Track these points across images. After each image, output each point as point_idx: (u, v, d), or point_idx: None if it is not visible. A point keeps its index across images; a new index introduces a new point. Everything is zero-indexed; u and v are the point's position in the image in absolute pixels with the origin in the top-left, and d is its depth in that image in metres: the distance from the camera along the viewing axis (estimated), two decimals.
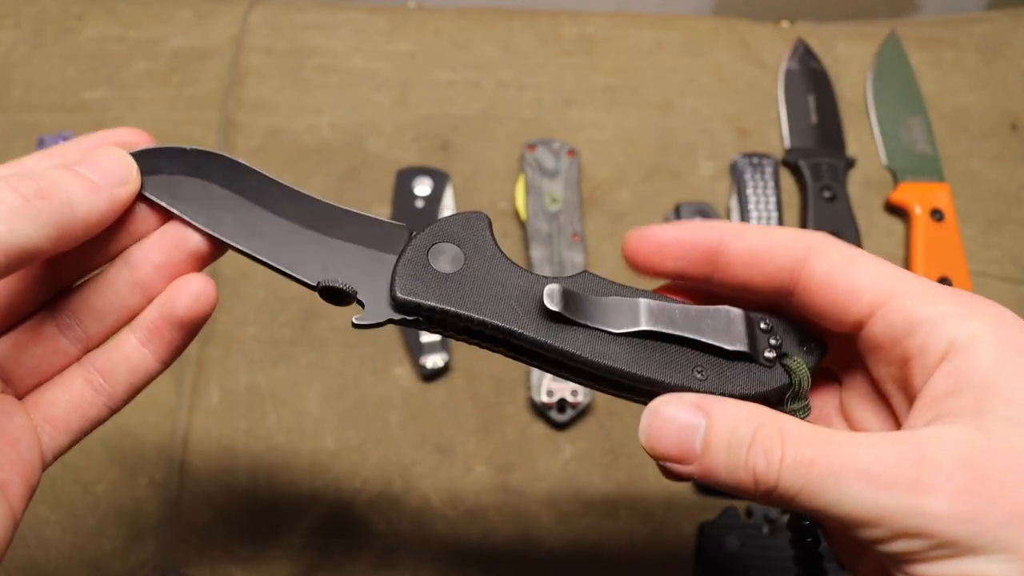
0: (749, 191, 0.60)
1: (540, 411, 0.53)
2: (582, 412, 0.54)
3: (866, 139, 0.64)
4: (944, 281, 0.57)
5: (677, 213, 0.59)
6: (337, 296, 0.30)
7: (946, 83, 0.67)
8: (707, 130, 0.65)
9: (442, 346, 0.54)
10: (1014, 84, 0.67)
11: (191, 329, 0.32)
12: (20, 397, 0.31)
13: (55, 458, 0.31)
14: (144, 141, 0.31)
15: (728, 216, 0.61)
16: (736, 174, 0.61)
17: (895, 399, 0.29)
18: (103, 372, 0.31)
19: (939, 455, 0.24)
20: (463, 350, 0.55)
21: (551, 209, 0.59)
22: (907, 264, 0.59)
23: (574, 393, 0.52)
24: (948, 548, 0.23)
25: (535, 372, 0.53)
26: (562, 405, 0.53)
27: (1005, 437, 0.24)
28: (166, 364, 0.33)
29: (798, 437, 0.26)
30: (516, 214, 0.60)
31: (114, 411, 0.32)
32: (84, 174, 0.28)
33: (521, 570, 0.50)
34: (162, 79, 0.65)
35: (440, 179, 0.60)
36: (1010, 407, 0.24)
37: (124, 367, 0.32)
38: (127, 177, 0.29)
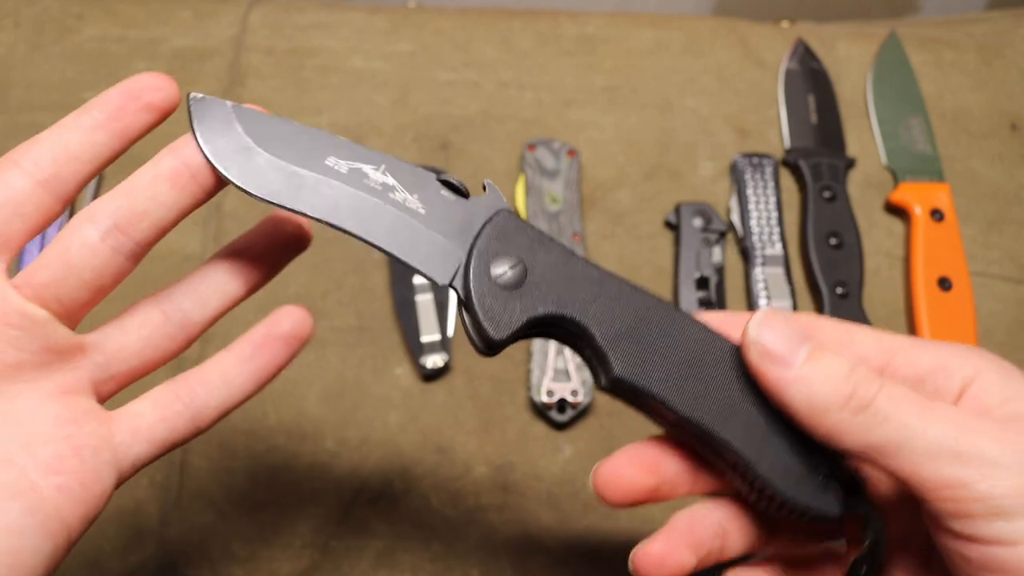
0: (749, 191, 0.60)
1: (540, 411, 0.53)
2: (582, 412, 0.54)
3: (866, 139, 0.64)
4: (944, 281, 0.57)
5: (677, 213, 0.59)
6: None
7: (946, 83, 0.67)
8: (707, 130, 0.65)
9: (442, 346, 0.54)
10: (1014, 84, 0.67)
11: (294, 348, 0.34)
12: (105, 398, 0.32)
13: (135, 469, 0.32)
14: (166, 84, 0.32)
15: (728, 216, 0.61)
16: (736, 174, 0.61)
17: None
18: (196, 386, 0.32)
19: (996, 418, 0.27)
20: (463, 350, 0.55)
21: (551, 209, 0.59)
22: (907, 264, 0.59)
23: (574, 393, 0.52)
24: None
25: (535, 372, 0.53)
26: (562, 405, 0.53)
27: None
28: (260, 386, 0.34)
29: (889, 381, 0.27)
30: (516, 214, 0.60)
31: (199, 431, 0.33)
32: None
33: (521, 570, 0.50)
34: None
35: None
36: None
37: (219, 383, 0.33)
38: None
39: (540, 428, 0.54)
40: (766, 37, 0.69)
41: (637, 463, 0.31)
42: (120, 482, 0.31)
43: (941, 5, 0.83)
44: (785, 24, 0.71)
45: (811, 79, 0.66)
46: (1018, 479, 0.25)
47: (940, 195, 0.61)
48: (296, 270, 0.58)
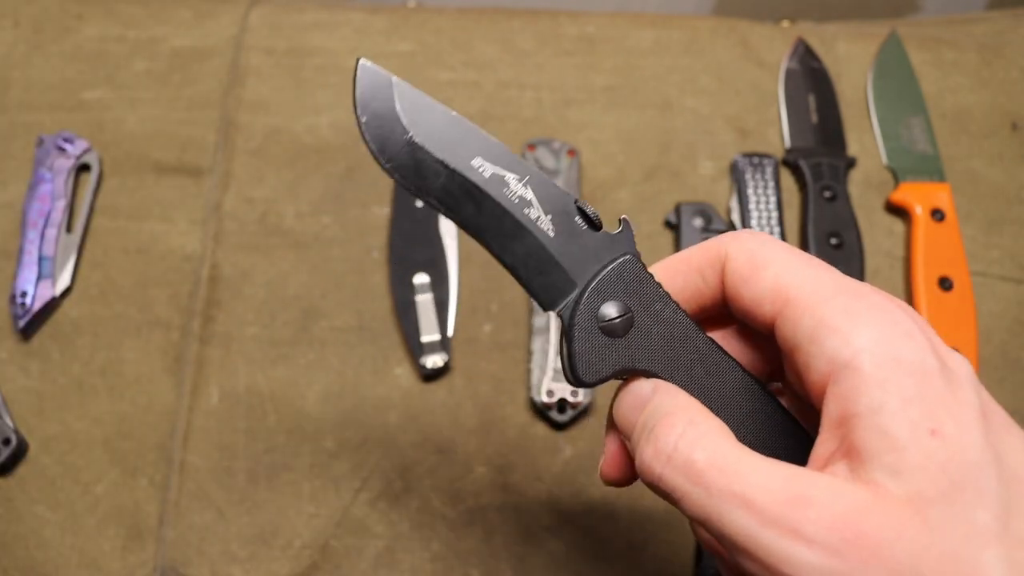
0: (749, 191, 0.60)
1: (540, 411, 0.53)
2: (582, 412, 0.53)
3: (867, 139, 0.64)
4: (945, 281, 0.57)
5: (677, 213, 0.59)
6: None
7: (947, 83, 0.67)
8: (707, 130, 0.65)
9: (442, 346, 0.54)
10: (1015, 84, 0.67)
11: None
12: None
13: None
14: None
15: (728, 215, 0.61)
16: (736, 174, 0.61)
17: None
18: None
19: (822, 504, 0.23)
20: (463, 350, 0.55)
21: None
22: (908, 264, 0.59)
23: (574, 393, 0.52)
24: None
25: (535, 372, 0.53)
26: (562, 405, 0.52)
27: (887, 491, 0.23)
28: None
29: (698, 441, 0.26)
30: None
31: None
32: None
33: (521, 570, 0.50)
34: (162, 79, 0.65)
35: None
36: (893, 453, 0.23)
37: None
38: None
39: (540, 428, 0.54)
40: (766, 37, 0.69)
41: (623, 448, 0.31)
42: None
43: (941, 5, 0.83)
44: (785, 24, 0.71)
45: (811, 79, 0.66)
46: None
47: (941, 195, 0.61)
48: (296, 270, 0.58)
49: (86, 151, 0.60)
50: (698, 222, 0.59)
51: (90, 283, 0.57)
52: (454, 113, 0.30)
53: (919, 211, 0.60)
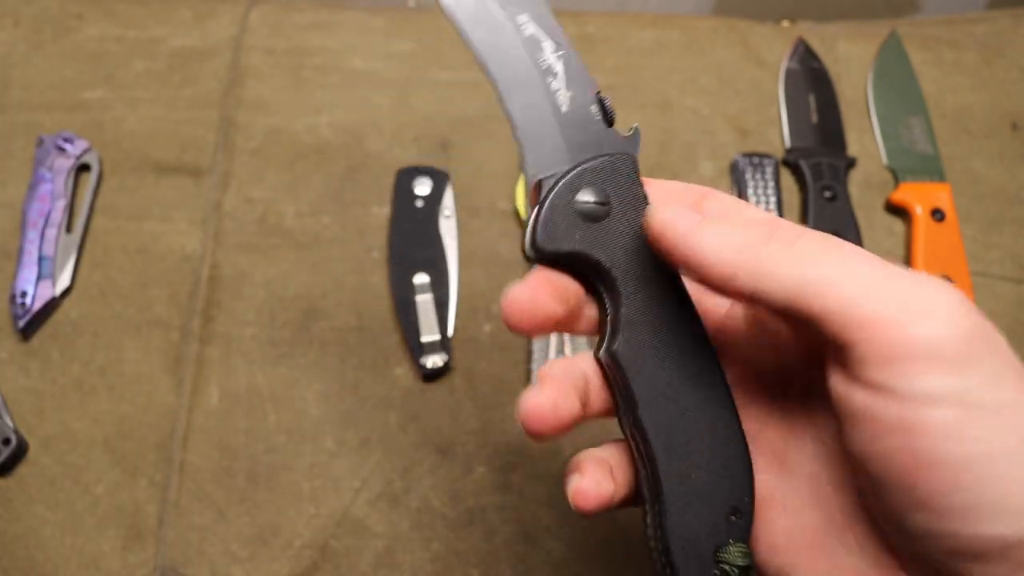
0: (750, 191, 0.60)
1: None
2: None
3: (867, 139, 0.64)
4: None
5: None
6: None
7: (947, 83, 0.67)
8: (707, 130, 0.65)
9: (442, 346, 0.54)
10: (1015, 84, 0.67)
11: None
12: None
13: None
14: None
15: None
16: (736, 174, 0.61)
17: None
18: None
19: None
20: (463, 350, 0.55)
21: None
22: (908, 264, 0.59)
23: None
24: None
25: (535, 372, 0.53)
26: None
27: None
28: None
29: (814, 232, 0.27)
30: (516, 214, 0.60)
31: None
32: None
33: (521, 570, 0.50)
34: (162, 79, 0.65)
35: (440, 179, 0.60)
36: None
37: None
38: None
39: None
40: (766, 36, 0.69)
41: (549, 289, 0.29)
42: None
43: (942, 5, 0.83)
44: (785, 23, 0.71)
45: (811, 79, 0.66)
46: (955, 329, 0.23)
47: (941, 195, 0.61)
48: (296, 270, 0.58)
49: (86, 151, 0.60)
50: None
51: (90, 283, 0.57)
52: None
53: (919, 211, 0.60)
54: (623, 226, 0.30)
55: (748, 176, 0.61)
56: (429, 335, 0.54)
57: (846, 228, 0.59)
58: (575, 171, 0.30)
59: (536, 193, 0.31)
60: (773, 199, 0.60)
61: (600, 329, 0.31)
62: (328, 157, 0.62)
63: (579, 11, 0.70)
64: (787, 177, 0.63)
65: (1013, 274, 0.60)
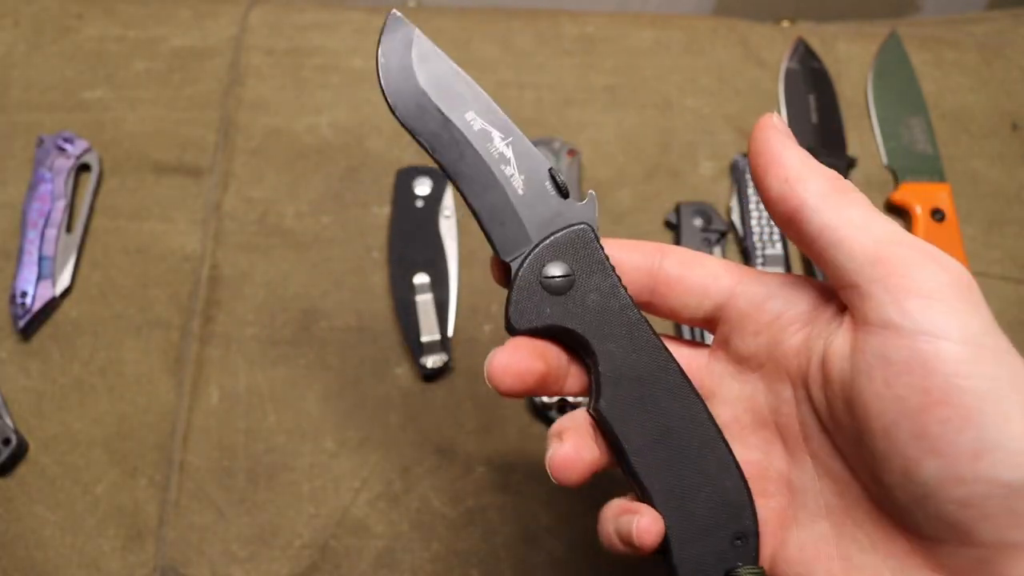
0: (750, 191, 0.60)
1: (540, 411, 0.53)
2: None
3: (867, 139, 0.64)
4: None
5: (677, 213, 0.59)
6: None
7: (947, 83, 0.67)
8: (707, 130, 0.65)
9: (442, 346, 0.54)
10: (1015, 84, 0.67)
11: None
12: None
13: None
14: None
15: (728, 215, 0.61)
16: (737, 174, 0.61)
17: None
18: None
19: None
20: (463, 350, 0.55)
21: None
22: None
23: (574, 395, 0.52)
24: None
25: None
26: (562, 405, 0.52)
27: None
28: None
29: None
30: None
31: None
32: None
33: (521, 570, 0.50)
34: (161, 79, 0.65)
35: (440, 179, 0.60)
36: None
37: None
38: None
39: (540, 428, 0.54)
40: (766, 37, 0.69)
41: (528, 350, 0.32)
42: None
43: (942, 5, 0.83)
44: (785, 24, 0.71)
45: (811, 79, 0.66)
46: (956, 278, 0.26)
47: (941, 195, 0.61)
48: (296, 270, 0.58)
49: (86, 151, 0.60)
50: (698, 222, 0.59)
51: (90, 283, 0.57)
52: (461, 71, 0.34)
53: (919, 211, 0.60)
54: (589, 292, 0.32)
55: (748, 176, 0.61)
56: (429, 335, 0.54)
57: None
58: (536, 250, 0.32)
59: (506, 275, 0.33)
60: None
61: (588, 386, 0.33)
62: (328, 157, 0.62)
63: (579, 11, 0.70)
64: None
65: (1013, 274, 0.60)
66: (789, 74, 0.66)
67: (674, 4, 0.81)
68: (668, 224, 0.60)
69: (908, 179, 0.62)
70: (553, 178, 0.33)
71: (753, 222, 0.59)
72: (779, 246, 0.58)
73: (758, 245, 0.58)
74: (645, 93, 0.66)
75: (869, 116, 0.65)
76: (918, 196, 0.60)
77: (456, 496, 0.51)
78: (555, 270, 0.32)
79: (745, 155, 0.62)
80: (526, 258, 0.32)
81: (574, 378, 0.33)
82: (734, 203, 0.61)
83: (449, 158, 0.33)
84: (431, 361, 0.54)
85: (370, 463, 0.52)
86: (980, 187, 0.63)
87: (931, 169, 0.62)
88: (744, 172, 0.61)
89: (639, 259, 0.33)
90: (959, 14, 0.76)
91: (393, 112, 0.33)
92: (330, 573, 0.50)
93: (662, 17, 0.71)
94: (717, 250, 0.58)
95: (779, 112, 0.65)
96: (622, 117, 0.65)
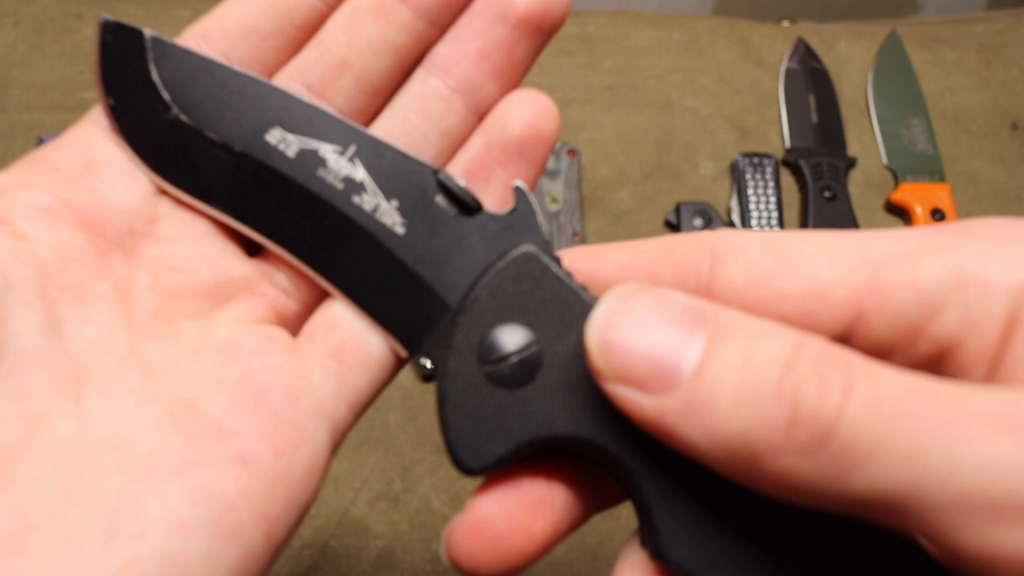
0: (750, 191, 0.60)
1: None
2: None
3: (867, 139, 0.64)
4: None
5: (677, 213, 0.59)
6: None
7: (947, 83, 0.67)
8: (707, 130, 0.65)
9: None
10: (1015, 84, 0.67)
11: (534, 162, 0.22)
12: (294, 324, 0.22)
13: (354, 416, 0.22)
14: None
15: (728, 216, 0.61)
16: (736, 174, 0.61)
17: None
18: None
19: None
20: None
21: (551, 209, 0.59)
22: None
23: None
24: None
25: None
26: None
27: None
28: None
29: (868, 368, 0.15)
30: None
31: None
32: None
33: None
34: None
35: None
36: None
37: None
38: None
39: None
40: (766, 36, 0.69)
41: (504, 509, 0.21)
42: (336, 443, 0.21)
43: (942, 5, 0.83)
44: (785, 23, 0.71)
45: (812, 78, 0.66)
46: None
47: (941, 195, 0.61)
48: None
49: None
50: (698, 222, 0.59)
51: None
52: (239, 69, 0.21)
53: (919, 211, 0.60)
54: (569, 359, 0.18)
55: (748, 176, 0.61)
56: None
57: (846, 228, 0.59)
58: (463, 318, 0.19)
59: (425, 379, 0.21)
60: (773, 199, 0.60)
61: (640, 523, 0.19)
62: None
63: (579, 11, 0.70)
64: (787, 177, 0.63)
65: None
66: (789, 74, 0.66)
67: (674, 4, 0.82)
68: (668, 224, 0.60)
69: (908, 179, 0.62)
70: (444, 186, 0.20)
71: (753, 222, 0.59)
72: None
73: None
74: (645, 93, 0.66)
75: (869, 116, 0.65)
76: (918, 196, 0.60)
77: (456, 496, 0.51)
78: (506, 342, 0.19)
79: (745, 155, 0.62)
80: (450, 339, 0.19)
81: (584, 502, 0.21)
82: (734, 203, 0.61)
83: (266, 217, 0.20)
84: (431, 361, 0.54)
85: (370, 463, 0.52)
86: (980, 187, 0.63)
87: (931, 169, 0.62)
88: (744, 172, 0.61)
89: (669, 272, 0.19)
90: (959, 14, 0.76)
91: (156, 176, 0.20)
92: (330, 573, 0.49)
93: (662, 17, 0.71)
94: None
95: (779, 112, 0.65)
96: (622, 117, 0.65)
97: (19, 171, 0.22)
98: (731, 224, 0.60)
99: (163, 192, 0.22)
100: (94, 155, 0.22)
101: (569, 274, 0.19)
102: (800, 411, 0.15)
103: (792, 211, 0.61)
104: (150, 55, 0.21)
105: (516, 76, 0.22)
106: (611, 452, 0.18)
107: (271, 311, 0.22)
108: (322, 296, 0.22)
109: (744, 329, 0.16)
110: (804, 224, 0.60)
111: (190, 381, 0.20)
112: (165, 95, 0.21)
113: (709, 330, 0.16)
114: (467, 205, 0.20)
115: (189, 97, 0.20)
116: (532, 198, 0.20)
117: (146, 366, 0.20)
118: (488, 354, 0.19)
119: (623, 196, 0.62)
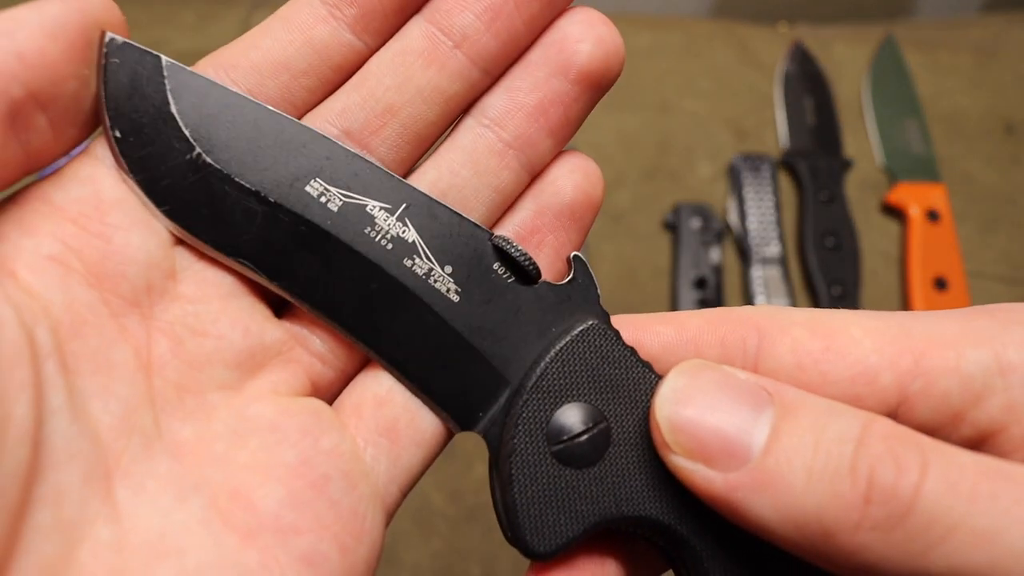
0: (747, 192, 0.61)
1: None
2: None
3: (863, 140, 0.65)
4: (940, 281, 0.57)
5: (676, 214, 0.60)
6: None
7: (942, 85, 0.67)
8: (705, 131, 0.65)
9: None
10: (1009, 86, 0.68)
11: (583, 228, 0.21)
12: (333, 398, 0.21)
13: (403, 498, 0.21)
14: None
15: (726, 216, 0.61)
16: (734, 175, 0.62)
17: None
18: None
19: None
20: None
21: None
22: (903, 264, 0.59)
23: None
24: None
25: None
26: None
27: None
28: None
29: (940, 447, 0.16)
30: None
31: None
32: None
33: (521, 569, 0.50)
34: None
35: None
36: None
37: None
38: None
39: None
40: (764, 39, 0.69)
41: None
42: (388, 521, 0.21)
43: (937, 8, 0.84)
44: (783, 26, 0.71)
45: (808, 81, 0.66)
46: None
47: (936, 196, 0.61)
48: None
49: None
50: (696, 223, 0.59)
51: None
52: (272, 109, 0.18)
53: (915, 212, 0.60)
54: (638, 437, 0.18)
55: (746, 177, 0.61)
56: None
57: (842, 229, 0.60)
58: (525, 398, 0.18)
59: (490, 456, 0.19)
60: (770, 200, 0.61)
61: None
62: None
63: None
64: (784, 178, 0.63)
65: (1008, 274, 0.60)
66: (786, 76, 0.67)
67: (673, 6, 0.82)
68: (667, 225, 0.61)
69: (904, 180, 0.62)
70: (501, 251, 0.19)
71: (751, 223, 0.60)
72: (776, 247, 0.59)
73: (756, 246, 0.59)
74: (643, 95, 0.67)
75: (865, 118, 0.66)
76: (914, 197, 0.61)
77: (456, 494, 0.52)
78: (575, 421, 0.18)
79: (743, 157, 0.62)
80: (513, 417, 0.19)
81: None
82: (732, 204, 0.61)
83: (303, 277, 0.18)
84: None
85: None
86: (975, 188, 0.63)
87: (926, 170, 0.63)
88: (741, 174, 0.62)
89: (715, 349, 0.19)
90: (954, 17, 0.76)
91: (170, 221, 0.18)
92: None
93: (660, 19, 0.71)
94: (715, 250, 0.59)
95: (776, 114, 0.66)
96: (621, 119, 0.65)
97: (16, 211, 0.18)
98: (728, 225, 0.61)
99: (180, 242, 0.19)
100: (103, 195, 0.19)
101: (633, 349, 0.19)
102: (876, 488, 0.15)
103: (789, 212, 0.62)
104: (168, 84, 0.18)
105: (569, 134, 0.21)
106: (678, 532, 0.18)
107: (307, 380, 0.20)
108: (360, 363, 0.20)
109: (812, 407, 0.17)
110: (801, 225, 0.60)
111: (233, 468, 0.18)
112: (186, 131, 0.18)
113: (776, 407, 0.16)
114: (527, 274, 0.19)
115: (215, 136, 0.18)
116: (590, 269, 0.20)
117: (176, 449, 0.18)
118: (558, 433, 0.18)
119: (622, 197, 0.62)
